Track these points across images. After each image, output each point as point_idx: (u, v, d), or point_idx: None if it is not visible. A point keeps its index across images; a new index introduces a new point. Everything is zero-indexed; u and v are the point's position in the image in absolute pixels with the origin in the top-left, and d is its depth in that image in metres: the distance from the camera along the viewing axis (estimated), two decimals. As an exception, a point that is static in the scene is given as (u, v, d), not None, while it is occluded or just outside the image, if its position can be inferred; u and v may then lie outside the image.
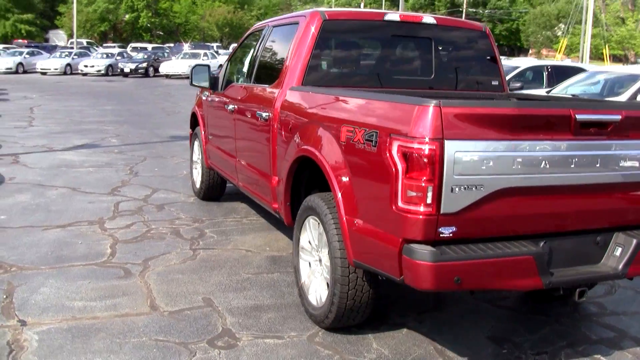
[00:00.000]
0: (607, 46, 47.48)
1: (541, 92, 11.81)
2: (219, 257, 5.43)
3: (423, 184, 3.00)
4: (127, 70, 37.36)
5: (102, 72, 37.54)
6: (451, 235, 3.10)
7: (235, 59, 6.42)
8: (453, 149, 3.00)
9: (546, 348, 3.94)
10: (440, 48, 5.21)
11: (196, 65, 6.50)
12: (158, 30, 77.43)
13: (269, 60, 5.43)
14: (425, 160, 2.98)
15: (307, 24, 4.76)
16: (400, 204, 3.09)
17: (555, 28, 61.24)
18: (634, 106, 4.47)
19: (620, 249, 3.52)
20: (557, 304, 4.68)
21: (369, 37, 5.18)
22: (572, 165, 3.30)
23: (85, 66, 37.53)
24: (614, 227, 3.59)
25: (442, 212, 3.04)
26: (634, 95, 9.94)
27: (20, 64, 37.69)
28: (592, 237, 3.53)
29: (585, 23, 41.51)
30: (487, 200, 3.12)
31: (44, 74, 36.92)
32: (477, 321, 4.33)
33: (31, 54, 39.48)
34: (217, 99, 6.41)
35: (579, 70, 12.79)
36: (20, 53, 39.24)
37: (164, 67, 37.20)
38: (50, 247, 5.52)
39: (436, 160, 2.98)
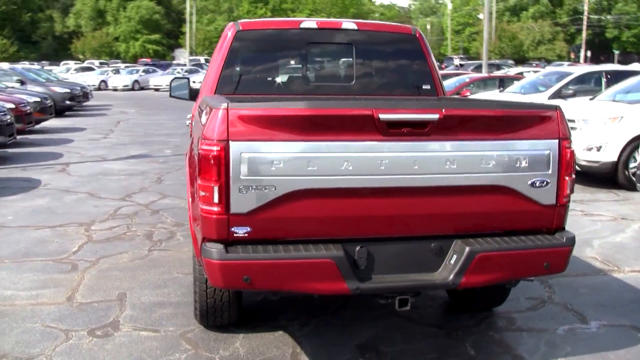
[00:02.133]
0: None
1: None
2: (167, 258, 5.79)
3: (211, 185, 3.15)
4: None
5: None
6: (246, 235, 3.22)
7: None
8: (239, 150, 3.12)
9: (409, 359, 3.92)
10: (362, 53, 5.25)
11: (175, 78, 6.93)
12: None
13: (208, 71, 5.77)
14: (212, 161, 3.13)
15: (224, 36, 5.04)
16: (199, 204, 3.28)
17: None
18: (458, 104, 4.17)
19: (455, 257, 3.42)
20: (464, 317, 4.60)
21: (285, 45, 5.28)
22: (382, 167, 3.25)
23: (194, 82, 39.59)
24: (454, 234, 3.48)
25: (232, 212, 3.17)
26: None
27: (137, 81, 40.53)
28: (427, 243, 3.45)
29: None
30: (283, 201, 3.18)
31: (156, 90, 39.48)
32: (362, 328, 4.36)
33: (146, 71, 42.37)
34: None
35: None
36: (137, 71, 42.22)
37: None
38: (28, 244, 6.14)
39: (221, 161, 3.11)
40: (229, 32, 5.01)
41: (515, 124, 3.47)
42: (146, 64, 49.49)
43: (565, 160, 3.51)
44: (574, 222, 7.31)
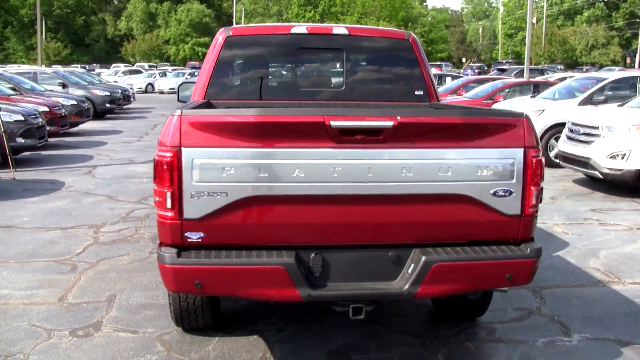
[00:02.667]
0: None
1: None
2: (165, 261, 5.90)
3: (164, 190, 3.24)
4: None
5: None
6: (200, 240, 3.30)
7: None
8: (190, 156, 3.19)
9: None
10: (353, 59, 5.26)
11: (183, 83, 7.02)
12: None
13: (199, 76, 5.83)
14: (165, 167, 3.21)
15: (215, 41, 5.11)
16: (156, 209, 3.37)
17: None
18: (416, 112, 4.02)
19: (412, 267, 3.40)
20: (445, 326, 4.56)
21: (275, 51, 5.30)
22: (335, 175, 3.27)
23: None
24: (414, 243, 3.45)
25: (185, 217, 3.25)
26: None
27: (182, 84, 41.23)
28: (385, 252, 3.44)
29: None
30: (235, 207, 3.25)
31: (200, 93, 40.15)
32: (339, 334, 4.38)
33: (192, 74, 43.01)
34: None
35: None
36: (183, 74, 42.97)
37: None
38: (36, 245, 6.37)
39: (174, 167, 3.19)
40: (220, 37, 5.07)
41: (476, 132, 3.43)
42: (193, 67, 50.32)
43: (531, 169, 3.45)
44: (586, 232, 7.20)
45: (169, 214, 3.27)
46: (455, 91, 17.66)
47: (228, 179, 3.23)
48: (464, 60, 78.45)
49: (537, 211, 3.58)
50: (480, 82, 18.06)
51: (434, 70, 38.96)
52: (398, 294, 3.41)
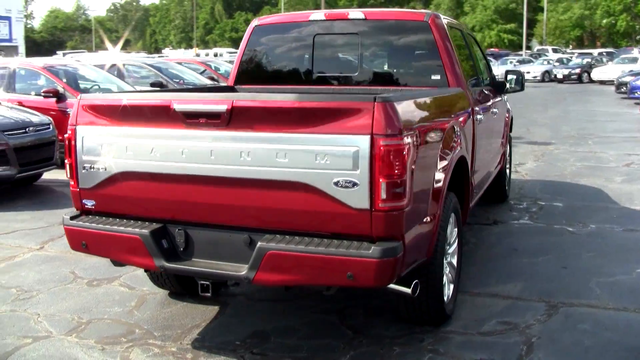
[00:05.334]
0: None
1: None
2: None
3: (67, 162, 3.96)
4: (560, 76, 37.97)
5: (538, 78, 38.84)
6: (93, 207, 3.93)
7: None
8: (82, 134, 3.87)
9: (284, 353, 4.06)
10: (369, 43, 5.32)
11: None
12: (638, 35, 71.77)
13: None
14: (67, 142, 3.94)
15: (247, 30, 5.74)
16: None
17: None
18: (252, 95, 3.89)
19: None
20: (398, 327, 4.38)
21: (294, 38, 5.63)
22: (184, 156, 3.58)
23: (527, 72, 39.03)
24: (266, 229, 3.52)
25: (81, 186, 3.93)
26: None
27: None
28: (240, 234, 3.58)
29: None
30: (114, 180, 3.81)
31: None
32: (284, 317, 4.53)
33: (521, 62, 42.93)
34: None
35: None
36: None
37: (595, 73, 35.87)
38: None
39: (72, 143, 3.90)
40: (250, 26, 5.71)
41: (315, 117, 3.33)
42: (492, 54, 49.41)
43: (380, 160, 3.23)
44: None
45: (72, 182, 3.99)
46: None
47: (105, 155, 3.82)
48: None
49: (399, 207, 3.32)
50: None
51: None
52: (237, 277, 3.57)
